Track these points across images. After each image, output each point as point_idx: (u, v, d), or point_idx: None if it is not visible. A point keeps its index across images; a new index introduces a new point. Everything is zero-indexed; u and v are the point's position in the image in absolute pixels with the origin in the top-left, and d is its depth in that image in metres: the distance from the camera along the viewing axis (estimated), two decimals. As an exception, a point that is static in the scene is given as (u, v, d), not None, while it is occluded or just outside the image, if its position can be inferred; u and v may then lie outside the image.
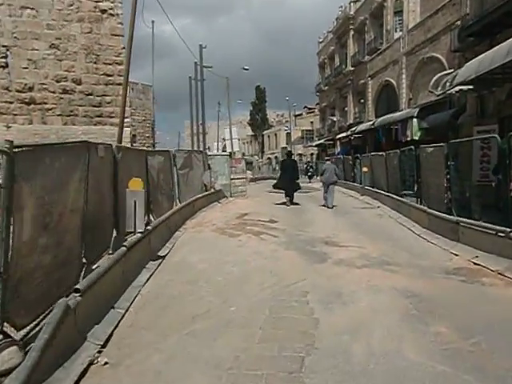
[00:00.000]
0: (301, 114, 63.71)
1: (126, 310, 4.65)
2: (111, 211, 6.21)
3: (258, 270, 6.16)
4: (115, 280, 4.97)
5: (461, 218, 7.18)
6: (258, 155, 66.33)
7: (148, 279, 5.69)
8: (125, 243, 5.58)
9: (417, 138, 15.93)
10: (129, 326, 4.30)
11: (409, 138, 16.55)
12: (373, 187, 15.31)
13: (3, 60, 17.56)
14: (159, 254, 6.97)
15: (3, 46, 17.43)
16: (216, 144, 41.57)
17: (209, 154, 15.43)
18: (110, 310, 4.43)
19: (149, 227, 6.76)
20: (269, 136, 66.61)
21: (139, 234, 6.15)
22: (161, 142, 48.07)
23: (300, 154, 56.57)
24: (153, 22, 22.74)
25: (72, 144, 5.03)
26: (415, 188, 9.90)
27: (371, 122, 22.82)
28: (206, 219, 10.78)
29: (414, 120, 16.49)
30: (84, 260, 4.83)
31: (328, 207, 13.05)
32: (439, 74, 13.94)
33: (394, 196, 11.56)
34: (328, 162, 15.09)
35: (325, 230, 9.23)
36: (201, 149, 20.25)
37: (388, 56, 23.64)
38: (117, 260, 5.08)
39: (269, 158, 61.99)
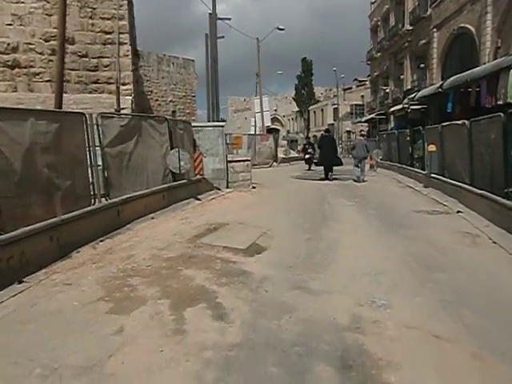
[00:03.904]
0: (350, 88, 57.12)
1: None
2: None
3: None
4: None
5: None
6: (303, 132, 60.73)
7: None
8: None
9: (515, 101, 10.33)
10: None
11: (501, 102, 10.96)
12: (443, 175, 10.10)
13: (-17, 15, 14.96)
14: None
15: (-18, -2, 14.83)
16: (254, 119, 37.70)
17: (193, 124, 10.31)
18: None
19: None
20: (315, 112, 60.75)
21: None
22: (204, 119, 44.30)
23: (348, 132, 50.38)
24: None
25: None
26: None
27: (437, 85, 16.99)
28: (131, 241, 5.78)
29: None
30: None
31: (359, 182, 13.59)
32: None
33: (497, 198, 6.18)
34: (360, 138, 15.97)
35: (357, 280, 4.19)
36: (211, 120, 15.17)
37: (465, -6, 17.51)
38: None
39: (314, 136, 56.41)
